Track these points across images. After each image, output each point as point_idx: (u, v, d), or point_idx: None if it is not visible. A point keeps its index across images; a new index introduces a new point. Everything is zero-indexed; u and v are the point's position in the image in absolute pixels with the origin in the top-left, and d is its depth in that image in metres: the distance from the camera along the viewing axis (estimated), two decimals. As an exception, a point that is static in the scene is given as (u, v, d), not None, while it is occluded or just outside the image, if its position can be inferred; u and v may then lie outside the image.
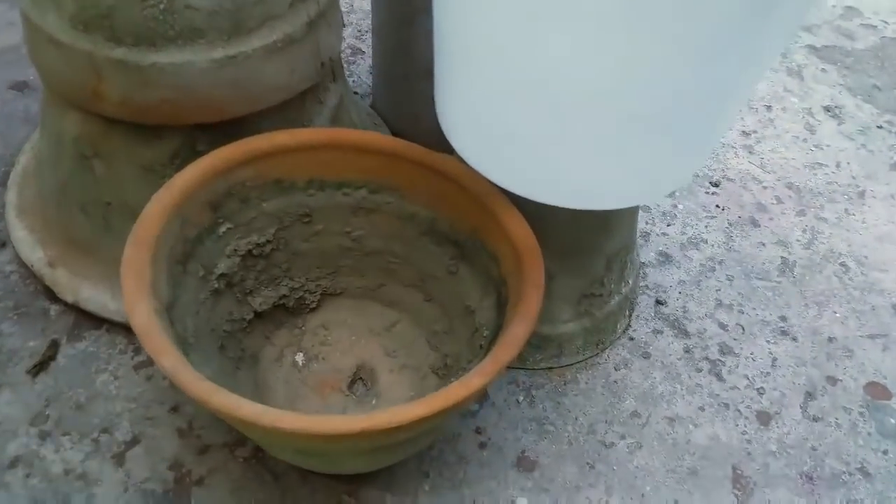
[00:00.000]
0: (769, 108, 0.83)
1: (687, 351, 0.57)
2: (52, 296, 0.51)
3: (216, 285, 0.43)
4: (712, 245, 0.66)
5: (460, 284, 0.47)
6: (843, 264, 0.66)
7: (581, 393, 0.53)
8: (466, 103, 0.40)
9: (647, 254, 0.64)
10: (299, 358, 0.49)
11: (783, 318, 0.60)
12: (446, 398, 0.34)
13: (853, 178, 0.75)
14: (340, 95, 0.52)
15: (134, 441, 0.45)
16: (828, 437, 0.53)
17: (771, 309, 0.61)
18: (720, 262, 0.64)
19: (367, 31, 0.84)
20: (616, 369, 0.55)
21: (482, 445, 0.49)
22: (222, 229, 0.43)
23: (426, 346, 0.50)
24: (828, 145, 0.79)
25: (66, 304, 0.51)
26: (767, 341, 0.58)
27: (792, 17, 0.34)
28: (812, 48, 0.93)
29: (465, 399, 0.34)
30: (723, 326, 0.59)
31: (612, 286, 0.53)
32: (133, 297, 0.35)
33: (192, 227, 0.41)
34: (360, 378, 0.49)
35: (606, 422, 0.51)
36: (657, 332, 0.58)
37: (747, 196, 0.71)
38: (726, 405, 0.54)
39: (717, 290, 0.62)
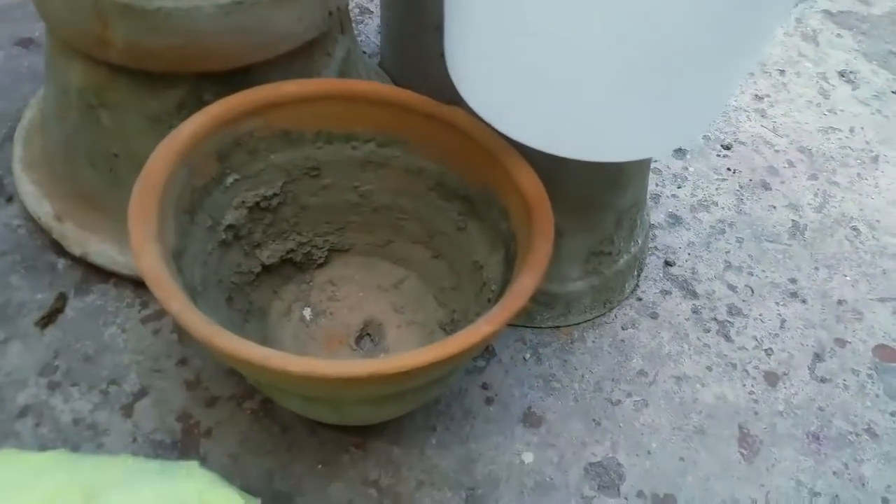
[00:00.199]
0: (783, 72, 0.82)
1: (695, 311, 0.56)
2: (59, 250, 0.51)
3: (224, 237, 0.43)
4: (723, 207, 0.65)
5: (469, 240, 0.46)
6: (854, 228, 0.65)
7: (588, 351, 0.53)
8: (478, 50, 0.39)
9: (656, 215, 0.63)
10: (307, 313, 0.49)
11: (793, 281, 0.60)
12: (456, 344, 0.34)
13: (867, 142, 0.74)
14: (348, 49, 0.51)
15: (142, 393, 0.46)
16: (835, 399, 0.53)
17: (781, 271, 0.61)
18: (730, 225, 0.64)
19: (374, -9, 0.83)
20: (623, 329, 0.54)
21: (489, 401, 0.49)
22: (230, 180, 0.43)
23: (434, 303, 0.50)
24: (842, 110, 0.78)
25: (73, 258, 0.51)
26: (776, 303, 0.58)
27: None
28: (828, 13, 0.91)
29: (475, 346, 0.34)
30: (732, 288, 0.59)
31: (622, 244, 0.52)
32: (140, 241, 0.35)
33: (199, 176, 0.41)
34: (368, 334, 0.49)
35: (613, 380, 0.51)
36: (665, 292, 0.57)
37: (759, 159, 0.71)
38: (734, 365, 0.53)
39: (726, 252, 0.61)
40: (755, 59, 0.39)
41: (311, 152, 0.46)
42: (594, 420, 0.49)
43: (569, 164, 0.41)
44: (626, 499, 0.45)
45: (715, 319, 0.56)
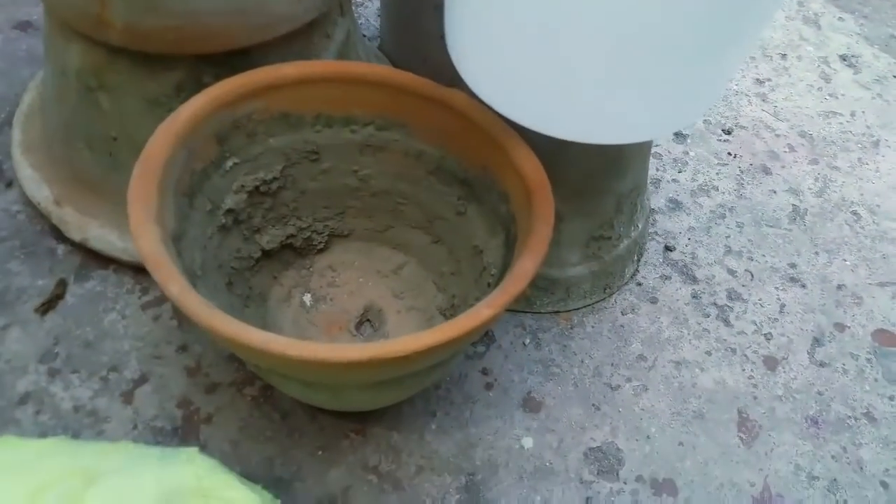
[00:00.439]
0: (784, 56, 0.81)
1: (695, 296, 0.56)
2: (58, 235, 0.51)
3: (223, 221, 0.43)
4: (723, 192, 0.65)
5: (468, 225, 0.46)
6: (854, 213, 0.65)
7: (587, 336, 0.53)
8: (478, 32, 0.39)
9: (657, 200, 0.63)
10: (307, 298, 0.49)
11: (792, 266, 0.60)
12: (455, 328, 0.33)
13: (868, 127, 0.74)
14: (348, 31, 0.51)
15: (142, 379, 0.46)
16: (834, 383, 0.53)
17: (780, 256, 0.61)
18: (730, 210, 0.64)
19: (373, -25, 0.82)
20: (623, 314, 0.54)
21: (488, 386, 0.49)
22: (229, 164, 0.43)
23: (434, 288, 0.49)
24: (843, 94, 0.77)
25: (73, 243, 0.51)
26: (776, 288, 0.58)
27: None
28: (829, -4, 0.91)
29: (474, 330, 0.34)
30: (731, 273, 0.59)
31: (622, 229, 0.52)
32: (140, 223, 0.35)
33: (199, 160, 0.41)
34: (368, 319, 0.49)
35: (612, 365, 0.51)
36: (665, 277, 0.57)
37: (760, 144, 0.70)
38: (733, 350, 0.54)
39: (726, 237, 0.61)
40: (754, 41, 0.39)
41: (311, 136, 0.46)
42: (594, 405, 0.49)
43: (569, 148, 0.41)
44: (625, 483, 0.46)
45: (714, 304, 0.56)
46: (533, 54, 0.37)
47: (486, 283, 0.44)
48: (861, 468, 0.48)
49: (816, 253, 0.61)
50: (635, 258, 0.56)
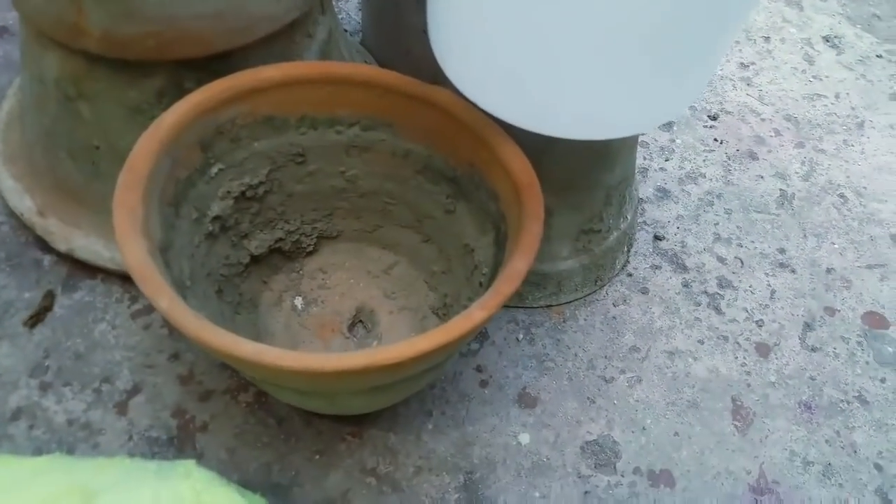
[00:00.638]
0: (767, 39, 0.81)
1: (685, 285, 0.57)
2: (44, 246, 0.50)
3: (210, 228, 0.42)
4: (710, 179, 0.65)
5: (458, 223, 0.46)
6: (841, 195, 0.65)
7: (580, 329, 0.53)
8: (461, 29, 0.38)
9: (645, 190, 0.63)
10: (298, 302, 0.49)
11: (782, 251, 0.60)
12: (449, 332, 0.33)
13: (852, 108, 0.74)
14: (329, 29, 0.50)
15: (135, 390, 0.45)
16: (826, 367, 0.53)
17: (769, 241, 0.61)
18: (718, 196, 0.64)
19: (353, -31, 0.81)
20: (615, 305, 0.55)
21: (483, 383, 0.49)
22: (214, 170, 0.42)
23: (425, 287, 0.49)
24: (827, 76, 0.78)
25: (58, 253, 0.50)
26: (766, 274, 0.58)
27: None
28: (811, -23, 0.91)
29: (468, 333, 0.34)
30: (721, 260, 0.59)
31: (611, 221, 0.52)
32: (126, 237, 0.34)
33: (183, 167, 0.40)
34: (360, 321, 0.49)
35: (606, 357, 0.51)
36: (655, 267, 0.57)
37: (745, 129, 0.70)
38: (725, 338, 0.54)
39: (715, 225, 0.61)
40: (740, 29, 0.39)
41: (296, 138, 0.46)
42: (588, 398, 0.49)
43: (556, 143, 0.40)
44: (622, 476, 0.46)
45: (705, 293, 0.56)
46: (517, 52, 0.36)
47: (477, 282, 0.43)
48: (855, 451, 0.49)
49: (805, 237, 0.62)
50: (625, 249, 0.56)
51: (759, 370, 0.52)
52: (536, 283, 0.52)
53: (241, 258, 0.46)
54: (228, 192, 0.44)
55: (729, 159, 0.67)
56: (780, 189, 0.65)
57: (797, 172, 0.67)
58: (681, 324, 0.54)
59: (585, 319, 0.53)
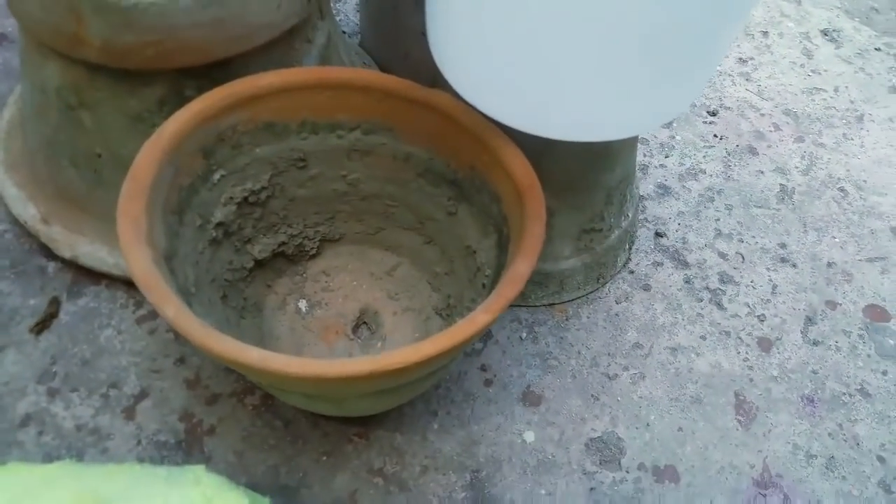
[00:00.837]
0: (766, 33, 0.81)
1: (687, 281, 0.57)
2: (48, 253, 0.51)
3: (214, 235, 0.43)
4: (711, 175, 0.65)
5: (460, 225, 0.46)
6: (841, 189, 0.66)
7: (583, 327, 0.53)
8: (461, 33, 0.38)
9: (645, 186, 0.63)
10: (302, 305, 0.49)
11: (782, 245, 0.60)
12: (453, 336, 0.34)
13: (851, 102, 0.74)
14: (329, 34, 0.51)
15: (142, 394, 0.46)
16: (828, 361, 0.54)
17: (770, 236, 0.61)
18: (719, 192, 0.64)
19: (350, -31, 0.81)
20: (617, 302, 0.55)
21: (488, 382, 0.49)
22: (216, 177, 0.43)
23: (428, 288, 0.50)
24: (825, 70, 0.78)
25: (63, 260, 0.50)
26: (767, 268, 0.59)
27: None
28: (808, -31, 0.91)
29: (472, 336, 0.34)
30: (722, 256, 0.59)
31: (612, 220, 0.53)
32: (131, 246, 0.35)
33: (186, 175, 0.40)
34: (364, 322, 0.49)
35: (609, 354, 0.52)
36: (657, 264, 0.58)
37: (745, 124, 0.71)
38: (727, 333, 0.54)
39: (716, 220, 0.62)
40: (739, 28, 0.39)
41: (297, 143, 0.46)
42: (592, 395, 0.49)
43: (556, 144, 0.41)
44: (627, 472, 0.46)
45: (707, 288, 0.57)
46: (516, 55, 0.37)
47: (480, 284, 0.44)
48: (857, 444, 0.49)
49: (805, 231, 0.62)
50: (627, 247, 0.56)
51: (761, 365, 0.53)
52: (539, 282, 0.52)
53: (244, 263, 0.46)
54: (231, 197, 0.44)
55: (729, 155, 0.67)
56: (781, 184, 0.65)
57: (797, 167, 0.67)
58: (683, 320, 0.54)
59: (588, 317, 0.54)
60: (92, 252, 0.49)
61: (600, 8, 0.33)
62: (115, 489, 0.32)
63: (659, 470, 0.46)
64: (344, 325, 0.49)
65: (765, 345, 0.54)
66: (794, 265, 0.59)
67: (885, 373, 0.53)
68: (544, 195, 0.40)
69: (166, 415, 0.45)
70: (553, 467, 0.46)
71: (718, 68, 0.76)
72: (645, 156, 0.66)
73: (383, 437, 0.45)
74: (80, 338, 0.48)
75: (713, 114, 0.71)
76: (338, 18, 0.75)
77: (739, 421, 0.49)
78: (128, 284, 0.50)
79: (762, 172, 0.66)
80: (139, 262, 0.34)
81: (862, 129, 0.72)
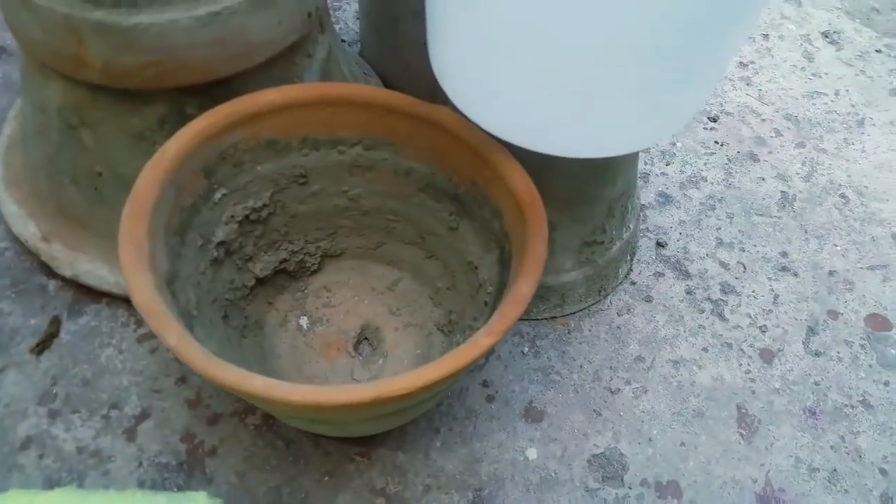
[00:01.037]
0: (766, 36, 0.81)
1: (689, 292, 0.57)
2: (48, 271, 0.50)
3: (215, 254, 0.43)
4: (712, 182, 0.65)
5: (461, 240, 0.46)
6: (842, 195, 0.65)
7: (585, 340, 0.53)
8: (462, 50, 0.38)
9: (646, 195, 0.63)
10: (303, 321, 0.49)
11: (784, 254, 0.60)
12: (456, 361, 0.34)
13: (852, 105, 0.74)
14: (329, 47, 0.50)
15: (144, 415, 0.46)
16: (830, 372, 0.53)
17: (772, 245, 0.61)
18: (720, 200, 0.64)
19: (349, -25, 0.81)
20: (619, 315, 0.55)
21: (490, 398, 0.49)
22: (217, 196, 0.42)
23: (430, 304, 0.49)
24: (826, 73, 0.77)
25: (63, 279, 0.50)
26: (769, 278, 0.59)
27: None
28: (808, -29, 0.90)
29: (474, 360, 0.34)
30: (724, 265, 0.59)
31: (614, 232, 0.52)
32: (133, 273, 0.34)
33: (187, 195, 0.40)
34: (366, 338, 0.49)
35: (611, 368, 0.52)
36: (658, 274, 0.58)
37: (746, 130, 0.70)
38: (729, 345, 0.54)
39: (717, 229, 0.61)
40: (742, 42, 0.38)
41: (298, 160, 0.46)
42: (595, 410, 0.49)
43: (558, 159, 0.40)
44: (629, 488, 0.46)
45: (709, 299, 0.56)
46: (516, 73, 0.36)
47: (482, 301, 0.44)
48: (860, 457, 0.49)
49: (807, 239, 0.62)
50: (628, 258, 0.56)
51: (763, 377, 0.53)
52: (541, 295, 0.52)
53: (246, 281, 0.46)
54: (232, 216, 0.44)
55: (730, 162, 0.67)
56: (782, 191, 0.65)
57: (798, 173, 0.67)
58: (685, 332, 0.54)
59: (590, 330, 0.53)
60: (92, 270, 0.49)
61: (601, 24, 0.33)
62: (118, 518, 0.32)
63: (661, 485, 0.46)
64: (345, 342, 0.49)
65: (767, 356, 0.54)
66: (796, 274, 0.59)
67: (886, 383, 0.53)
68: (545, 209, 0.40)
69: (168, 435, 0.45)
70: (556, 485, 0.46)
71: (719, 73, 0.76)
72: (646, 164, 0.66)
73: (385, 456, 0.45)
74: (80, 357, 0.47)
75: (714, 120, 0.71)
76: (337, 27, 0.74)
77: (742, 434, 0.49)
78: (128, 302, 0.50)
79: (763, 179, 0.66)
80: (141, 288, 0.34)
81: (863, 133, 0.71)
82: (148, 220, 0.37)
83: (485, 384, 0.50)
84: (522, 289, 0.37)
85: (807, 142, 0.70)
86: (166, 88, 0.42)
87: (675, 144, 0.68)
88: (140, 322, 0.49)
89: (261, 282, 0.47)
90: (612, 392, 0.50)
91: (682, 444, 0.48)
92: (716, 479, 0.47)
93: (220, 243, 0.43)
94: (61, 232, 0.49)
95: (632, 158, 0.50)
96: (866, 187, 0.67)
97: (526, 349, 0.52)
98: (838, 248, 0.62)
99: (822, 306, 0.57)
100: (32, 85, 0.45)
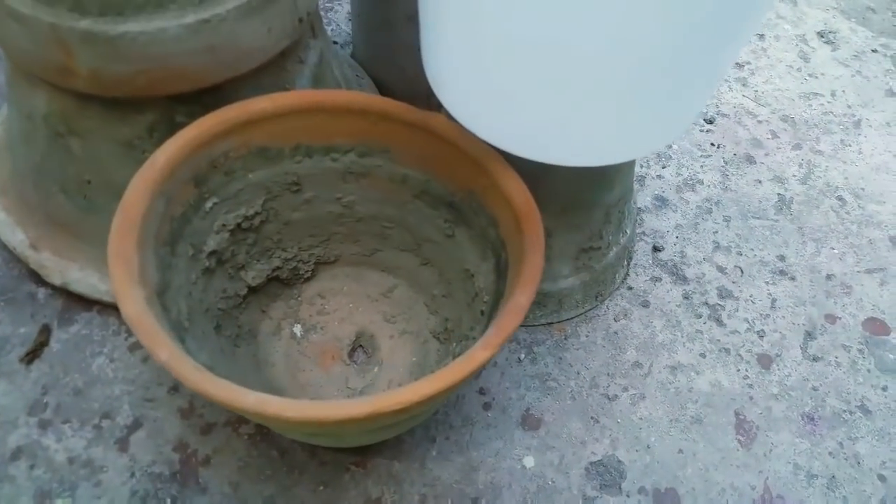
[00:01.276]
0: (762, 36, 0.80)
1: (686, 297, 0.56)
2: (37, 279, 0.50)
3: (207, 264, 0.42)
4: (708, 185, 0.65)
5: (457, 248, 0.46)
6: (839, 198, 0.65)
7: (582, 346, 0.52)
8: (456, 59, 0.37)
9: (643, 199, 0.63)
10: (297, 329, 0.48)
11: (781, 258, 0.60)
12: (452, 374, 0.33)
13: (849, 106, 0.74)
14: (321, 52, 0.50)
15: (136, 424, 0.45)
16: (828, 377, 0.53)
17: (769, 248, 0.61)
18: (717, 203, 0.63)
19: (342, -25, 0.80)
20: (616, 320, 0.54)
21: (486, 406, 0.49)
22: (208, 205, 0.42)
23: (425, 311, 0.49)
24: (822, 73, 0.77)
25: (53, 287, 0.50)
26: (766, 282, 0.58)
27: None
28: (804, -30, 0.90)
29: (471, 374, 0.33)
30: (721, 270, 0.59)
31: (611, 238, 0.52)
32: (122, 286, 0.34)
33: (177, 205, 0.40)
34: (361, 346, 0.49)
35: (608, 374, 0.51)
36: (655, 279, 0.57)
37: (742, 132, 0.70)
38: (727, 350, 0.54)
39: (714, 233, 0.61)
40: (739, 50, 0.38)
41: (291, 167, 0.45)
42: (592, 417, 0.49)
43: (554, 167, 0.40)
44: (627, 496, 0.46)
45: (706, 304, 0.56)
46: (512, 83, 0.36)
47: (478, 310, 0.43)
48: (858, 463, 0.49)
49: (804, 243, 0.61)
50: (625, 263, 0.56)
51: (761, 382, 0.52)
52: (537, 301, 0.52)
53: (238, 290, 0.45)
54: (224, 225, 0.43)
55: (726, 164, 0.67)
56: (779, 193, 0.65)
57: (795, 175, 0.67)
58: (682, 337, 0.54)
59: (587, 336, 0.53)
60: (83, 278, 0.48)
61: (596, 34, 0.33)
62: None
63: (660, 493, 0.46)
64: (340, 350, 0.48)
65: (765, 361, 0.53)
66: (793, 278, 0.59)
67: (885, 388, 0.53)
68: (542, 216, 0.40)
69: (160, 445, 0.44)
70: (553, 493, 0.45)
71: (715, 74, 0.75)
72: (642, 167, 0.65)
73: (381, 466, 0.45)
74: (71, 366, 0.47)
75: (710, 121, 0.70)
76: (329, 28, 0.74)
77: (740, 441, 0.49)
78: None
79: (760, 182, 0.66)
80: (131, 303, 0.34)
81: (860, 134, 0.71)
82: (137, 232, 0.36)
83: (481, 392, 0.49)
84: (520, 300, 0.37)
85: (803, 143, 0.70)
86: (156, 97, 0.41)
87: (671, 147, 0.68)
88: (131, 331, 0.49)
89: (253, 290, 0.46)
90: (609, 399, 0.50)
91: (681, 451, 0.48)
92: (714, 487, 0.47)
93: (212, 252, 0.42)
94: (50, 240, 0.49)
95: (629, 164, 0.50)
96: (863, 189, 0.66)
97: (522, 356, 0.51)
98: (836, 251, 0.61)
99: (820, 310, 0.57)
100: (18, 92, 0.45)
